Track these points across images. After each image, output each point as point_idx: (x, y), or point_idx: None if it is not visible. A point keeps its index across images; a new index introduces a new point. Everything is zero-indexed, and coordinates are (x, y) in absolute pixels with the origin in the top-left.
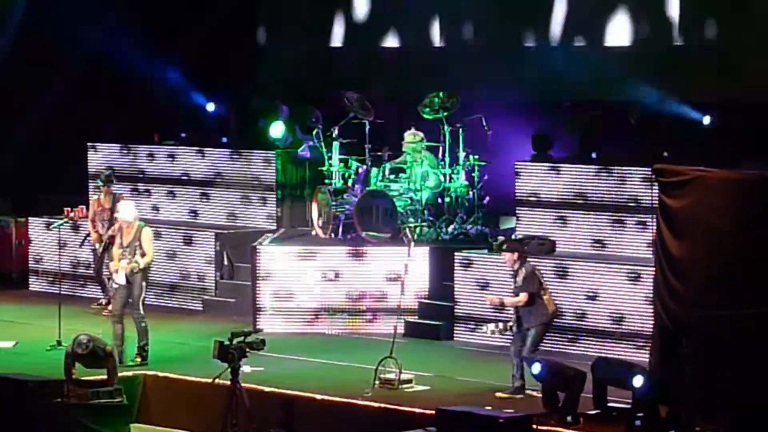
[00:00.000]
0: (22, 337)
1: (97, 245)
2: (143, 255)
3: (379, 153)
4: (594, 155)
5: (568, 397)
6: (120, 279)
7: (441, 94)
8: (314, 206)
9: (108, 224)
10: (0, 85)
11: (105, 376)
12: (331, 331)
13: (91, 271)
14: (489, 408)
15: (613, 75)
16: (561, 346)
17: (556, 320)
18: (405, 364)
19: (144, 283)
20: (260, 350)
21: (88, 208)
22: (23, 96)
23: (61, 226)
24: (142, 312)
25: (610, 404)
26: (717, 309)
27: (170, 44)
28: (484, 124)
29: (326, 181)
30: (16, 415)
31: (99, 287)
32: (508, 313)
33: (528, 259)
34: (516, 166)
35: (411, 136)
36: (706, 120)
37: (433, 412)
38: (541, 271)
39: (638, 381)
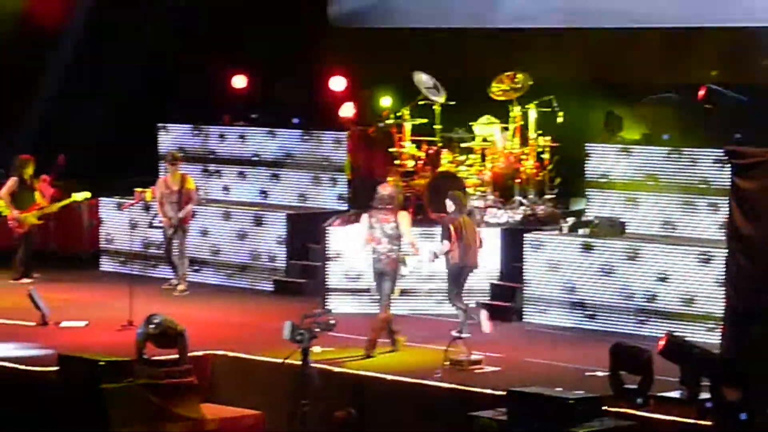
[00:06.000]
0: (94, 316)
1: (167, 227)
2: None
3: (450, 135)
4: (665, 137)
5: (642, 380)
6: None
7: (512, 74)
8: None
9: (177, 206)
10: (72, 67)
11: (176, 356)
12: (400, 311)
13: (162, 251)
14: (559, 389)
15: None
16: (631, 328)
17: (627, 301)
18: (474, 345)
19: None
20: (330, 331)
21: None
22: (95, 78)
23: (132, 207)
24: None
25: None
26: None
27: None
28: (555, 105)
29: (396, 162)
30: (87, 395)
31: (170, 268)
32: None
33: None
34: (587, 148)
35: (486, 121)
36: None
37: (503, 393)
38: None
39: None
